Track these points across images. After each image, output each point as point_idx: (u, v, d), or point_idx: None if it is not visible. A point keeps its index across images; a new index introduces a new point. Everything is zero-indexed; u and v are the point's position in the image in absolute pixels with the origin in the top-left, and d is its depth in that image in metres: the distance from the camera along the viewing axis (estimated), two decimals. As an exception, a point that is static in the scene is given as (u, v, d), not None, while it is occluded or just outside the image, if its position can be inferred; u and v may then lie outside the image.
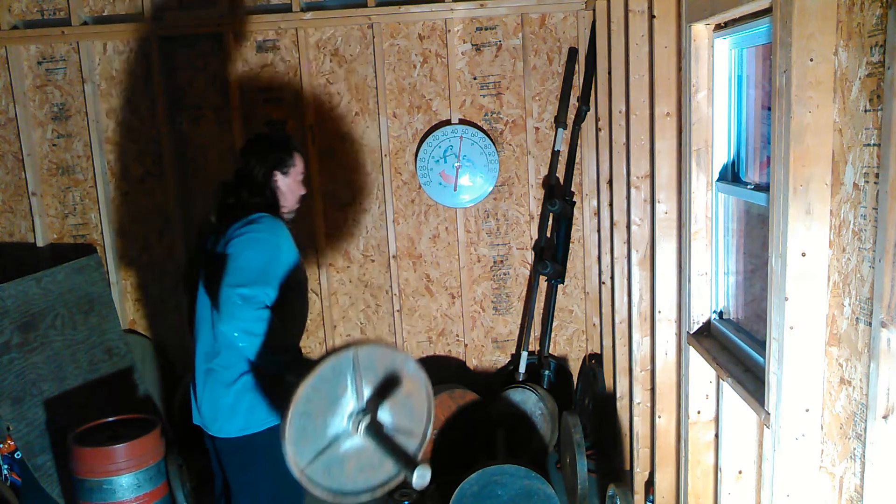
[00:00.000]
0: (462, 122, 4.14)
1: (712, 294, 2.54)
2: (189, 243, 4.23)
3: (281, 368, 2.34)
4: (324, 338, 4.33)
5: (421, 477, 1.86)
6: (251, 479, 2.47)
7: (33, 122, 4.19)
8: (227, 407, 2.43)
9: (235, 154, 4.09)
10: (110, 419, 3.24)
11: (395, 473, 2.05)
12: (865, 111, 1.52)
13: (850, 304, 1.63)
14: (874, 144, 1.49)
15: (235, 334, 2.27)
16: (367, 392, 2.00)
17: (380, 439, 1.99)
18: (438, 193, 4.17)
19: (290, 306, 2.43)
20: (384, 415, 2.04)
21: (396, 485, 2.08)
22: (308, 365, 1.95)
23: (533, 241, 4.26)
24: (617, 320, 3.55)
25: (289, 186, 2.58)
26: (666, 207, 2.81)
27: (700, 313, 2.55)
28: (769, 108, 1.84)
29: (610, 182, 3.71)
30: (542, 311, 4.28)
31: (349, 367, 1.96)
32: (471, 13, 4.01)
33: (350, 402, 1.98)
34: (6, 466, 3.52)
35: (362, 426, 1.97)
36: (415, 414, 2.10)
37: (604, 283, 4.00)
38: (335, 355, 1.94)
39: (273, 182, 2.54)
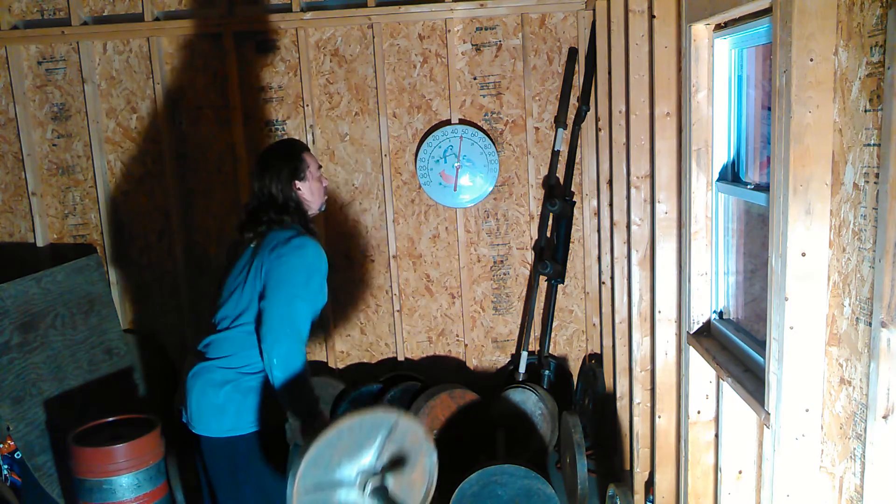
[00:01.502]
0: (462, 122, 4.14)
1: (712, 294, 2.54)
2: (188, 244, 4.24)
3: (301, 410, 2.34)
4: (324, 338, 4.33)
5: None
6: (235, 482, 2.46)
7: (33, 122, 4.19)
8: (216, 406, 2.42)
9: (235, 154, 4.11)
10: (110, 419, 3.24)
11: None
12: (865, 111, 1.52)
13: (850, 304, 1.63)
14: (874, 144, 1.49)
15: (275, 361, 2.28)
16: (385, 457, 2.07)
17: (385, 501, 2.05)
18: (438, 193, 4.17)
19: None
20: (390, 483, 2.10)
21: None
22: (321, 426, 2.04)
23: (533, 241, 4.26)
24: (617, 320, 3.55)
25: (311, 189, 2.57)
26: (666, 207, 2.81)
27: (700, 313, 2.55)
28: (769, 108, 1.84)
29: (610, 182, 3.71)
30: (542, 311, 4.28)
31: (385, 429, 2.03)
32: (471, 13, 4.01)
33: (368, 458, 2.05)
34: (6, 466, 3.52)
35: (370, 486, 2.03)
36: (413, 493, 2.17)
37: (604, 283, 4.00)
38: (383, 410, 2.06)
39: (295, 193, 2.54)
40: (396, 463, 2.10)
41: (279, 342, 2.28)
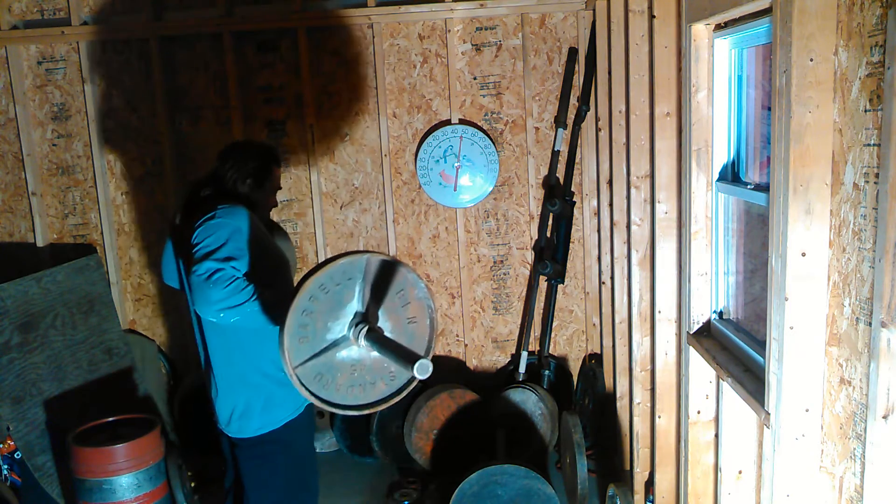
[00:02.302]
0: (462, 122, 4.14)
1: (712, 294, 2.54)
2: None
3: (272, 308, 2.23)
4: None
5: (422, 367, 1.70)
6: (265, 476, 2.50)
7: (33, 122, 4.19)
8: (242, 405, 2.45)
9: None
10: (110, 419, 3.24)
11: (383, 396, 1.99)
12: (865, 111, 1.52)
13: (850, 304, 1.63)
14: (874, 144, 1.49)
15: (221, 314, 2.17)
16: (371, 304, 1.92)
17: (380, 343, 1.88)
18: (438, 193, 4.17)
19: (271, 280, 2.36)
20: (385, 326, 1.96)
21: (385, 406, 2.01)
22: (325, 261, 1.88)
23: (533, 241, 4.26)
24: (617, 320, 3.55)
25: (261, 197, 2.55)
26: (666, 207, 2.81)
27: (700, 313, 2.55)
28: (769, 108, 1.84)
29: (610, 182, 3.71)
30: (542, 311, 4.28)
31: (360, 274, 1.89)
32: (471, 13, 4.01)
33: (354, 310, 1.91)
34: (6, 466, 3.52)
35: (362, 334, 1.88)
36: (415, 339, 2.03)
37: (604, 283, 4.00)
38: (349, 257, 1.86)
39: (246, 189, 2.50)
40: (388, 305, 1.95)
41: (206, 300, 2.16)
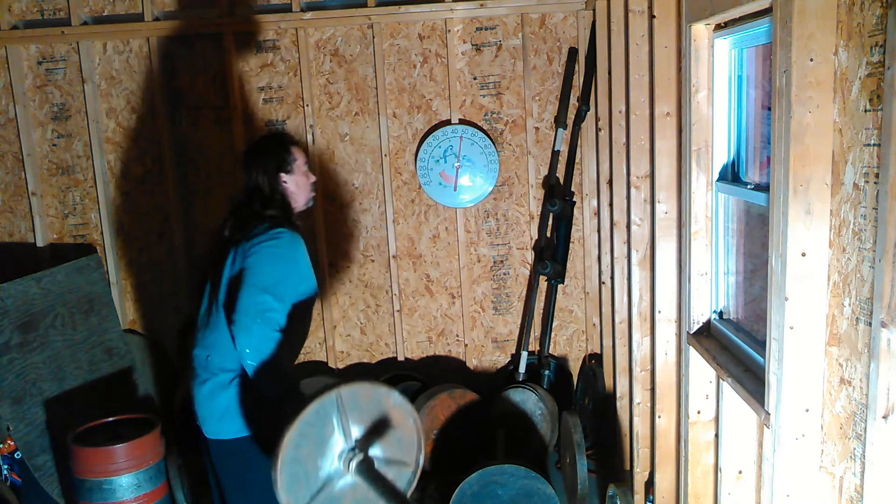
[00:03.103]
0: (462, 122, 4.14)
1: (712, 294, 2.54)
2: (188, 244, 4.23)
3: (278, 395, 2.34)
4: (324, 338, 4.33)
5: None
6: (245, 483, 2.46)
7: (33, 122, 4.19)
8: (222, 409, 2.42)
9: (235, 154, 4.11)
10: (110, 419, 3.24)
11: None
12: (865, 111, 1.52)
13: (850, 304, 1.63)
14: (874, 144, 1.49)
15: (247, 350, 2.28)
16: (355, 430, 2.01)
17: (372, 478, 1.99)
18: (438, 193, 4.17)
19: (294, 326, 2.43)
20: (375, 449, 2.05)
21: None
22: (300, 401, 1.96)
23: (533, 241, 4.26)
24: (617, 320, 3.55)
25: (297, 182, 2.58)
26: (666, 207, 2.81)
27: (700, 313, 2.55)
28: (769, 108, 1.84)
29: (610, 182, 3.71)
30: (542, 311, 4.28)
31: (333, 409, 1.97)
32: (471, 13, 4.01)
33: (339, 442, 1.99)
34: (6, 466, 3.52)
35: (353, 465, 1.98)
36: (404, 444, 2.10)
37: (604, 283, 4.00)
38: (318, 399, 1.94)
39: (281, 185, 2.54)
40: (371, 425, 2.03)
41: (248, 331, 2.27)
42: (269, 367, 2.30)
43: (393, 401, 2.07)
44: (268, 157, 2.54)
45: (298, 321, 2.46)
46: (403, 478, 2.09)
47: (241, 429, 2.42)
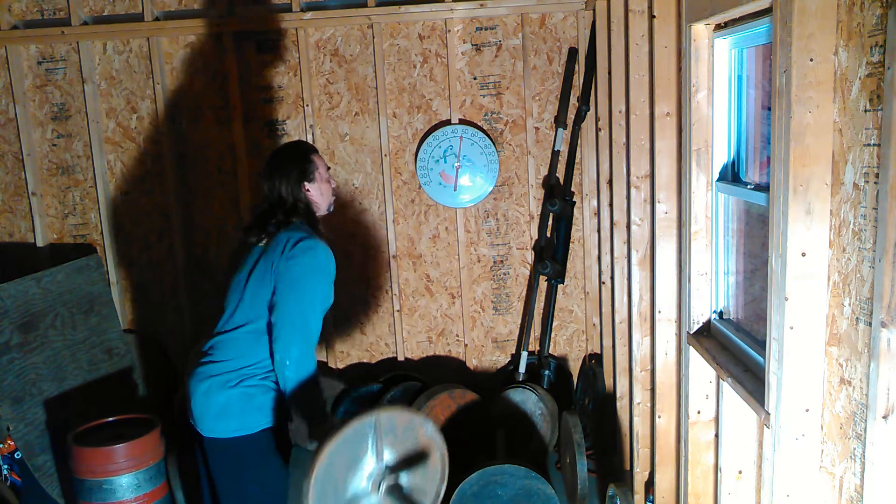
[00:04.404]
0: (462, 122, 4.14)
1: (712, 294, 2.54)
2: (188, 244, 4.23)
3: (309, 408, 2.37)
4: (324, 338, 4.33)
5: None
6: (240, 482, 2.46)
7: (33, 122, 4.19)
8: (219, 408, 2.42)
9: (236, 154, 4.11)
10: (110, 419, 3.24)
11: None
12: (865, 111, 1.52)
13: (850, 304, 1.63)
14: (874, 144, 1.49)
15: (287, 363, 2.30)
16: (387, 454, 2.07)
17: (402, 499, 2.07)
18: (438, 193, 4.17)
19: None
20: (402, 475, 2.09)
21: None
22: (330, 423, 2.04)
23: (533, 241, 4.26)
24: (617, 320, 3.55)
25: (320, 190, 2.60)
26: (666, 207, 2.81)
27: (700, 313, 2.55)
28: (769, 108, 1.84)
29: (610, 182, 3.71)
30: (542, 311, 4.28)
31: (371, 430, 2.04)
32: (471, 13, 4.01)
33: (370, 463, 2.06)
34: (6, 466, 3.52)
35: (383, 487, 2.05)
36: (429, 473, 2.18)
37: (604, 283, 4.00)
38: (358, 419, 2.01)
39: (304, 195, 2.56)
40: (402, 451, 2.11)
41: (293, 344, 2.31)
42: (307, 384, 2.34)
43: (426, 431, 2.17)
44: (290, 168, 2.55)
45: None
46: None
47: (237, 428, 2.42)
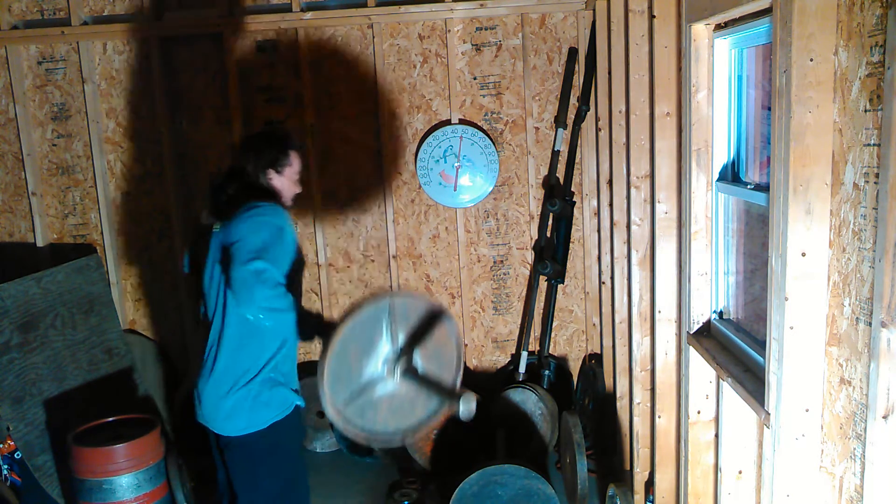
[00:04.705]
0: (462, 122, 4.14)
1: (712, 294, 2.54)
2: (189, 243, 4.23)
3: (313, 332, 2.40)
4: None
5: (467, 404, 1.91)
6: (255, 477, 2.49)
7: (33, 122, 4.19)
8: (231, 405, 2.44)
9: (236, 153, 4.10)
10: (110, 419, 3.24)
11: (425, 415, 2.12)
12: (865, 111, 1.52)
13: (850, 304, 1.63)
14: (874, 144, 1.49)
15: (260, 315, 2.26)
16: (401, 338, 2.06)
17: (419, 380, 2.05)
18: (438, 193, 4.17)
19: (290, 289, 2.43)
20: (417, 360, 2.10)
21: (428, 426, 2.15)
22: (337, 323, 2.00)
23: (533, 241, 4.26)
24: (617, 320, 3.55)
25: (283, 185, 2.56)
26: (666, 207, 2.81)
27: (700, 313, 2.55)
28: (769, 108, 1.84)
29: (610, 182, 3.71)
30: (542, 311, 4.28)
31: (385, 314, 2.02)
32: (471, 13, 4.01)
33: (385, 348, 2.04)
34: (6, 466, 3.52)
35: (399, 370, 2.03)
36: (444, 362, 2.15)
37: (604, 283, 4.00)
38: (373, 301, 2.00)
39: (267, 180, 2.53)
40: (416, 337, 2.09)
41: (251, 299, 2.21)
42: (292, 315, 2.32)
43: (440, 318, 2.12)
44: (266, 150, 2.53)
45: (294, 283, 2.45)
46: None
47: (247, 426, 2.44)
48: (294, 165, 2.59)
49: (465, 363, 4.32)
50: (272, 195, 2.52)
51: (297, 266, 2.51)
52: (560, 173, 4.14)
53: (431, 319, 2.12)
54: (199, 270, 2.61)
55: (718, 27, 2.33)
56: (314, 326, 2.48)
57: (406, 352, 2.06)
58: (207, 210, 2.54)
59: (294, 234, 2.48)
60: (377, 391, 2.05)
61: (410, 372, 2.05)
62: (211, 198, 2.55)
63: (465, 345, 4.33)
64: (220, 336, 2.47)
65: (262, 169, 2.52)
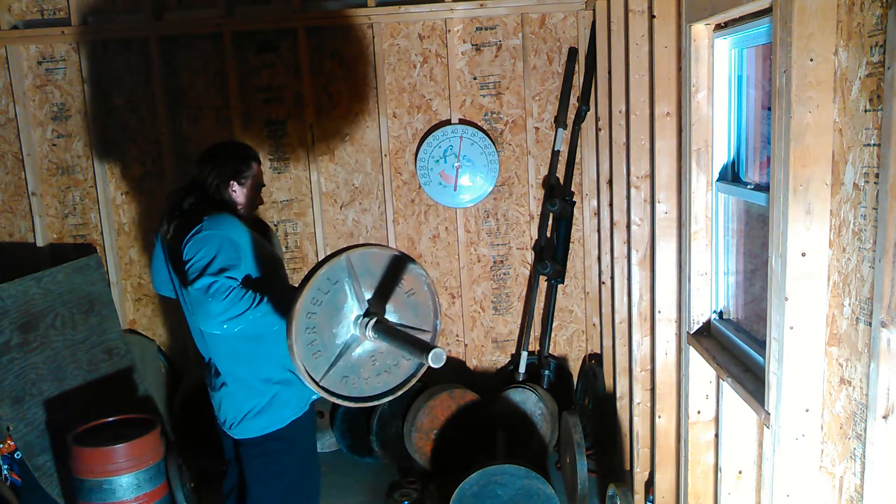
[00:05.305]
0: (462, 122, 4.14)
1: (712, 294, 2.54)
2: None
3: (277, 309, 2.29)
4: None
5: (436, 356, 1.75)
6: (269, 474, 2.52)
7: (33, 122, 4.19)
8: (245, 409, 2.46)
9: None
10: (110, 419, 3.24)
11: (411, 371, 2.05)
12: (865, 111, 1.52)
13: (850, 304, 1.63)
14: (874, 144, 1.49)
15: (224, 326, 2.22)
16: (368, 295, 1.97)
17: (390, 334, 1.94)
18: (438, 193, 4.17)
19: (267, 287, 2.38)
20: (391, 316, 2.02)
21: (414, 382, 2.06)
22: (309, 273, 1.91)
23: (533, 241, 4.26)
24: (617, 320, 3.55)
25: (245, 196, 2.54)
26: (666, 207, 2.81)
27: (700, 313, 2.55)
28: (769, 108, 1.84)
29: (610, 182, 3.71)
30: (542, 311, 4.28)
31: (344, 274, 1.93)
32: (471, 13, 4.01)
33: (353, 309, 1.96)
34: (6, 466, 3.52)
35: (370, 328, 1.94)
36: (419, 309, 2.08)
37: (604, 283, 4.00)
38: (327, 264, 1.90)
39: (229, 192, 2.50)
40: (383, 290, 2.00)
41: (208, 315, 2.20)
42: (258, 310, 2.24)
43: (406, 266, 2.04)
44: (226, 162, 2.50)
45: (269, 283, 2.40)
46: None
47: (266, 426, 2.46)
48: (257, 176, 2.56)
49: (465, 363, 4.34)
50: (228, 207, 2.48)
51: (268, 263, 2.46)
52: (560, 173, 4.14)
53: (396, 268, 2.01)
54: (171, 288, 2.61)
55: (718, 27, 2.33)
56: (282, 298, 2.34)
57: (375, 308, 1.96)
58: (167, 223, 2.48)
59: (247, 236, 2.40)
60: (355, 353, 1.96)
61: (382, 326, 1.93)
62: (170, 209, 2.50)
63: (466, 345, 4.34)
64: (216, 344, 2.48)
65: (224, 181, 2.48)
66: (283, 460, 2.50)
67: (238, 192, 2.52)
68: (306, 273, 1.93)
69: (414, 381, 2.09)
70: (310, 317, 1.89)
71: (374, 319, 1.94)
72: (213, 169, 2.49)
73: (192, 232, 2.33)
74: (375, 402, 2.04)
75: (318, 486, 2.65)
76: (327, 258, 1.93)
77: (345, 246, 1.99)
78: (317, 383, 1.92)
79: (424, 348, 1.79)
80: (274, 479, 2.51)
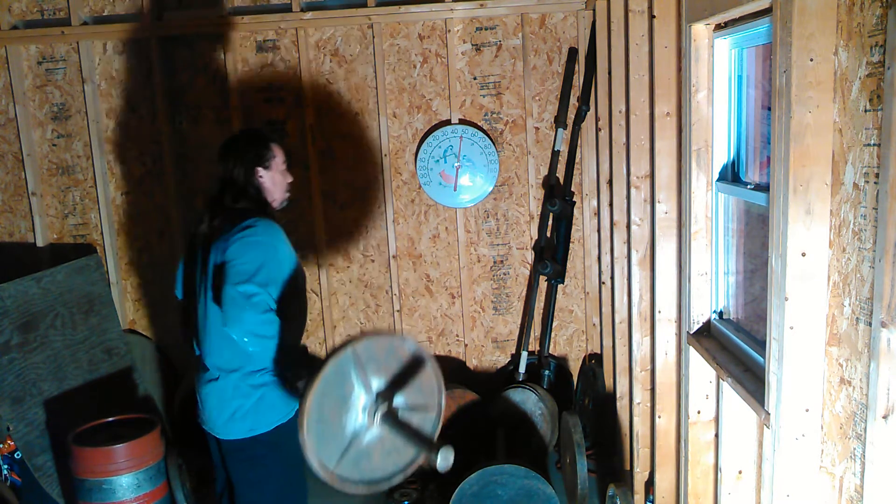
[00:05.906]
0: (462, 122, 4.14)
1: (712, 294, 2.54)
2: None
3: (289, 368, 2.35)
4: (324, 338, 4.33)
5: (445, 459, 1.86)
6: (257, 478, 2.49)
7: (33, 122, 4.19)
8: (232, 410, 2.44)
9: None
10: (110, 419, 3.24)
11: (419, 453, 2.09)
12: (865, 111, 1.52)
13: (850, 304, 1.63)
14: (874, 144, 1.49)
15: (245, 339, 2.26)
16: (375, 382, 2.01)
17: (398, 427, 2.01)
18: (438, 193, 4.17)
19: (289, 307, 2.42)
20: (398, 398, 2.05)
21: (423, 461, 2.10)
22: (314, 366, 1.96)
23: (533, 241, 4.26)
24: (617, 320, 3.55)
25: (273, 179, 2.54)
26: (666, 207, 2.81)
27: (700, 313, 2.55)
28: (769, 108, 1.84)
29: (610, 182, 3.71)
30: (542, 311, 4.28)
31: (351, 365, 1.97)
32: (471, 13, 4.01)
33: (361, 397, 2.00)
34: (6, 466, 3.52)
35: (378, 417, 1.99)
36: (425, 389, 2.11)
37: (604, 283, 4.00)
38: (334, 357, 1.95)
39: (257, 179, 2.51)
40: (390, 375, 2.05)
41: (239, 321, 2.24)
42: (278, 349, 2.31)
43: (408, 348, 2.08)
44: (246, 149, 2.50)
45: (292, 303, 2.44)
46: (428, 422, 2.12)
47: (251, 428, 2.44)
48: (278, 157, 2.56)
49: (465, 363, 4.34)
50: (263, 197, 2.50)
51: (298, 280, 2.49)
52: (560, 173, 4.14)
53: (400, 351, 2.08)
54: (190, 293, 2.59)
55: (718, 27, 2.33)
56: (297, 362, 2.42)
57: (383, 395, 2.03)
58: (207, 223, 2.49)
59: (289, 249, 2.45)
60: (365, 440, 2.02)
61: (390, 416, 2.01)
62: (209, 211, 2.50)
63: (466, 345, 4.34)
64: (205, 343, 2.47)
65: (250, 168, 2.49)
66: (268, 464, 2.47)
67: (266, 178, 2.52)
68: (316, 368, 1.98)
69: (422, 459, 2.14)
70: (320, 409, 1.94)
71: (383, 410, 2.01)
72: (236, 160, 2.49)
73: (243, 231, 2.34)
74: (387, 484, 2.09)
75: (305, 491, 2.61)
76: (333, 351, 1.98)
77: (348, 337, 2.05)
78: (330, 472, 1.96)
79: (430, 446, 1.90)
80: (261, 483, 2.48)
